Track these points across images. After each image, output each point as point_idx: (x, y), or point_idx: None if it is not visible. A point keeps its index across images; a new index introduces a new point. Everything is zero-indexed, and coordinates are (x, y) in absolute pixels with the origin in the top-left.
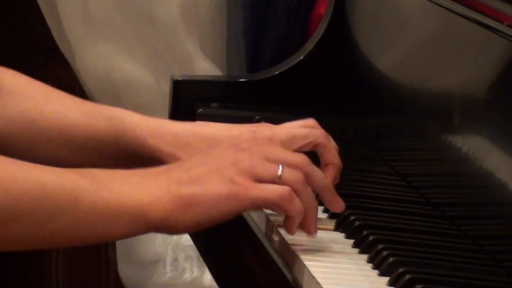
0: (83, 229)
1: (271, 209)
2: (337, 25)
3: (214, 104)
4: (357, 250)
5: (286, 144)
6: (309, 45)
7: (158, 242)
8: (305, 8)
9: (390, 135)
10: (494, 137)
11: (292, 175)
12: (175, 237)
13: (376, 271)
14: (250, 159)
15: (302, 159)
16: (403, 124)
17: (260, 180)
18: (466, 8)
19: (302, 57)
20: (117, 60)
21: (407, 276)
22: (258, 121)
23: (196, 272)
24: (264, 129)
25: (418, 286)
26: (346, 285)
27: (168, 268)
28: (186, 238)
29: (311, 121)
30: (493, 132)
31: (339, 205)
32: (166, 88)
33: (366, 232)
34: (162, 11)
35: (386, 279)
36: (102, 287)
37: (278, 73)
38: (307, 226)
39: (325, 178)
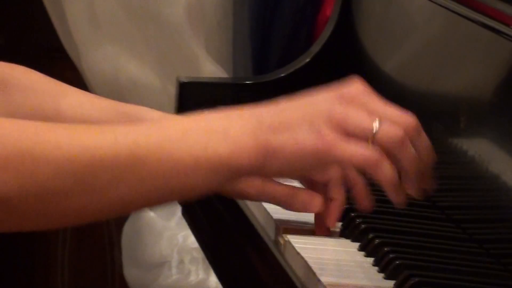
0: (154, 191)
1: (359, 170)
2: (343, 27)
3: (220, 106)
4: (362, 253)
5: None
6: (315, 48)
7: (164, 244)
8: (311, 10)
9: None
10: (501, 140)
11: (389, 134)
12: (180, 240)
13: (382, 274)
14: (345, 109)
15: (408, 118)
16: None
17: (352, 134)
18: (472, 10)
19: (308, 60)
20: (123, 61)
21: (413, 280)
22: None
23: (201, 275)
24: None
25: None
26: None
27: (174, 270)
28: (191, 241)
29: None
30: (499, 135)
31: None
32: (172, 90)
33: (372, 235)
34: (168, 13)
35: (391, 283)
36: None
37: (284, 75)
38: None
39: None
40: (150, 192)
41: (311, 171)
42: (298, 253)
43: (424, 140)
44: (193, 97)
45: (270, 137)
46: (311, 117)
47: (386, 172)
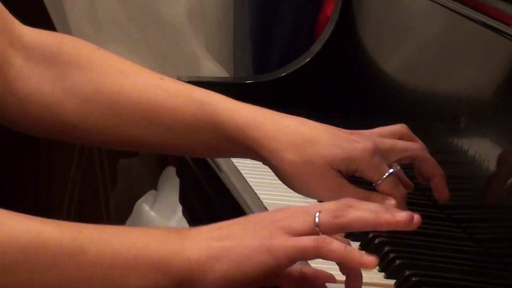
0: (90, 282)
1: (311, 259)
2: (344, 27)
3: None
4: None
5: (385, 154)
6: (316, 47)
7: None
8: (311, 10)
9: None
10: (501, 140)
11: (330, 217)
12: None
13: (382, 274)
14: (286, 214)
15: (342, 202)
16: (410, 126)
17: (297, 232)
18: (473, 10)
19: (308, 59)
20: None
21: (413, 279)
22: None
23: None
24: (366, 139)
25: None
26: None
27: None
28: None
29: (405, 128)
30: (500, 135)
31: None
32: None
33: (371, 234)
34: (169, 12)
35: (392, 282)
36: None
37: (284, 75)
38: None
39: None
40: (89, 281)
41: (259, 274)
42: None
43: (368, 204)
44: None
45: (211, 243)
46: (253, 225)
47: (333, 250)
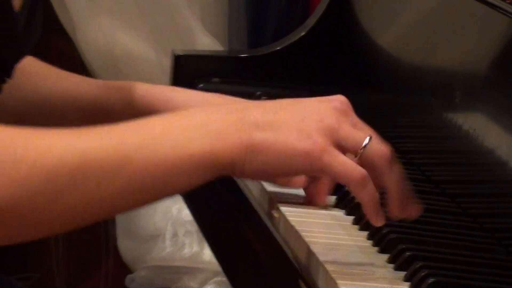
0: (141, 190)
1: (340, 182)
2: (339, 0)
3: (215, 79)
4: (357, 227)
5: (344, 146)
6: (311, 21)
7: (158, 217)
8: None
9: (391, 112)
10: (496, 115)
11: (378, 149)
12: (175, 212)
13: (376, 248)
14: (338, 119)
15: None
16: (404, 101)
17: (341, 145)
18: None
19: (303, 33)
20: (118, 34)
21: (407, 253)
22: (259, 97)
23: (195, 248)
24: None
25: (417, 263)
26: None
27: (168, 243)
28: (186, 213)
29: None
30: (494, 110)
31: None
32: (167, 63)
33: None
34: None
35: (386, 256)
36: (101, 262)
37: (279, 49)
38: (389, 206)
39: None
40: (139, 190)
41: (294, 174)
42: (292, 226)
43: (399, 169)
44: (188, 70)
45: (254, 133)
46: (301, 121)
47: (370, 192)
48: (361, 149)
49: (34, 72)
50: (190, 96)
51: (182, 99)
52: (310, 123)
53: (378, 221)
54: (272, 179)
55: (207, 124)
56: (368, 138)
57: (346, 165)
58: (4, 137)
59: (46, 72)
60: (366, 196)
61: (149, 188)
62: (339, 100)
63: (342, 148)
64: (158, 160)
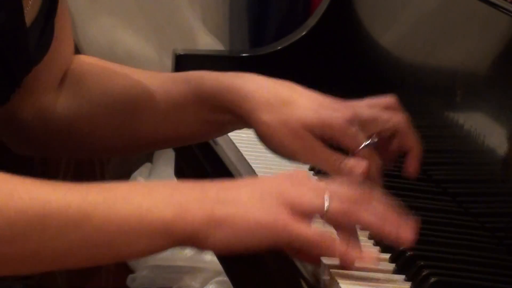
0: (97, 248)
1: (308, 251)
2: (340, 0)
3: None
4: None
5: (366, 124)
6: (312, 20)
7: None
8: None
9: None
10: (497, 114)
11: (339, 209)
12: None
13: (378, 248)
14: (296, 188)
15: (353, 193)
16: (405, 101)
17: (304, 213)
18: None
19: (304, 32)
20: (119, 33)
21: (408, 253)
22: None
23: None
24: (346, 108)
25: (418, 263)
26: None
27: None
28: None
29: (393, 101)
30: (495, 109)
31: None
32: (168, 62)
33: None
34: None
35: (387, 256)
36: None
37: (280, 48)
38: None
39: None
40: (95, 248)
41: (259, 248)
42: None
43: (376, 204)
44: (189, 69)
45: (216, 207)
46: (261, 194)
47: (334, 250)
48: (324, 213)
49: (99, 73)
50: (259, 85)
51: (253, 88)
52: (270, 197)
53: (348, 265)
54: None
55: (170, 195)
56: (327, 201)
57: (311, 233)
58: None
59: (111, 71)
60: (335, 254)
61: (106, 247)
62: (295, 173)
63: (306, 215)
64: (117, 221)
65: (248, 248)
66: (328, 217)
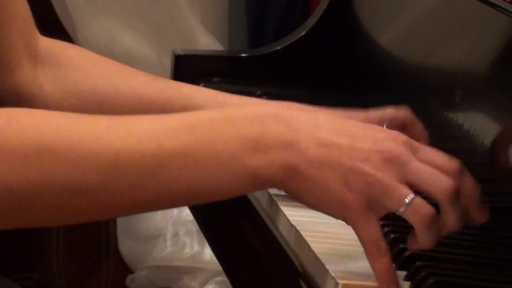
0: (174, 197)
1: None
2: (339, 0)
3: (215, 79)
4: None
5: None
6: (311, 20)
7: (158, 217)
8: None
9: None
10: (496, 114)
11: (417, 214)
12: (175, 212)
13: None
14: (382, 176)
15: (447, 180)
16: (404, 100)
17: (380, 211)
18: None
19: (304, 33)
20: (118, 34)
21: (407, 253)
22: (259, 96)
23: (196, 247)
24: (358, 115)
25: (417, 263)
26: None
27: (169, 242)
28: (186, 213)
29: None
30: (494, 109)
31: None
32: (167, 62)
33: None
34: None
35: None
36: (102, 261)
37: (280, 48)
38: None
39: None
40: (172, 196)
41: (329, 214)
42: (292, 226)
43: (470, 183)
44: (188, 69)
45: (302, 167)
46: (349, 169)
47: (384, 262)
48: (402, 208)
49: (93, 69)
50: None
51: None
52: (358, 180)
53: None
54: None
55: (257, 137)
56: (409, 198)
57: (369, 232)
58: (33, 123)
59: (108, 69)
60: (380, 266)
61: (185, 194)
62: (391, 145)
63: (378, 209)
64: (197, 169)
65: (318, 210)
66: (403, 213)
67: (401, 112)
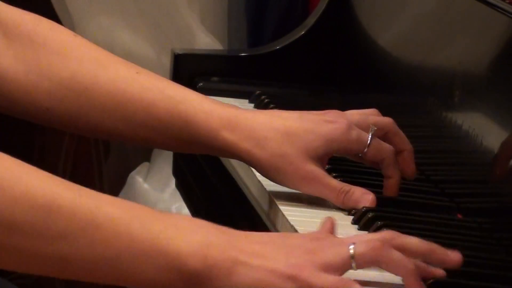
0: (100, 261)
1: None
2: (339, 0)
3: (214, 78)
4: (356, 226)
5: (359, 125)
6: (311, 20)
7: None
8: None
9: (390, 112)
10: (495, 115)
11: (366, 255)
12: (174, 211)
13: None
14: (321, 243)
15: (378, 236)
16: (403, 101)
17: (329, 265)
18: None
19: (303, 32)
20: (117, 32)
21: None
22: (258, 96)
23: None
24: (337, 116)
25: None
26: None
27: None
28: (185, 213)
29: (376, 110)
30: (493, 110)
31: (454, 259)
32: (166, 61)
33: (364, 208)
34: None
35: None
36: None
37: (279, 48)
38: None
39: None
40: (98, 260)
41: None
42: (291, 226)
43: (403, 239)
44: (187, 69)
45: (240, 257)
46: (286, 252)
47: None
48: (351, 259)
49: (70, 53)
50: (256, 122)
51: (250, 127)
52: (297, 255)
53: None
54: None
55: (194, 232)
56: (351, 246)
57: (331, 281)
58: None
59: (86, 54)
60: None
61: (109, 264)
62: (319, 233)
63: (334, 270)
64: (128, 239)
65: None
66: (357, 263)
67: (384, 120)
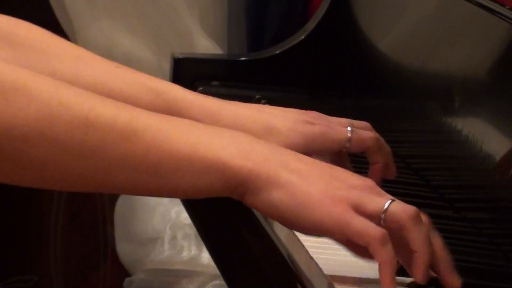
0: (139, 172)
1: (358, 242)
2: (339, 4)
3: (214, 83)
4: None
5: (340, 123)
6: (311, 25)
7: (156, 220)
8: None
9: (390, 116)
10: (495, 120)
11: (401, 209)
12: (174, 215)
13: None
14: (361, 188)
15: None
16: (403, 105)
17: (362, 212)
18: None
19: (303, 37)
20: (117, 36)
21: None
22: (258, 100)
23: (194, 251)
24: (318, 118)
25: None
26: (344, 267)
27: (166, 246)
28: (184, 217)
29: (367, 124)
30: (493, 115)
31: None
32: (166, 65)
33: None
34: None
35: None
36: (100, 264)
37: (279, 52)
38: (414, 270)
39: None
40: (138, 168)
41: (309, 226)
42: (290, 230)
43: (432, 233)
44: (187, 73)
45: (282, 171)
46: (329, 180)
47: (388, 251)
48: (382, 213)
49: (49, 49)
50: (238, 114)
51: (232, 119)
52: (337, 187)
53: (388, 284)
54: (285, 224)
55: (236, 140)
56: (389, 201)
57: (364, 224)
58: (11, 68)
59: (65, 52)
60: (384, 254)
61: (149, 173)
62: (367, 179)
63: (363, 214)
64: (168, 146)
65: (295, 223)
66: (386, 219)
67: (361, 125)
